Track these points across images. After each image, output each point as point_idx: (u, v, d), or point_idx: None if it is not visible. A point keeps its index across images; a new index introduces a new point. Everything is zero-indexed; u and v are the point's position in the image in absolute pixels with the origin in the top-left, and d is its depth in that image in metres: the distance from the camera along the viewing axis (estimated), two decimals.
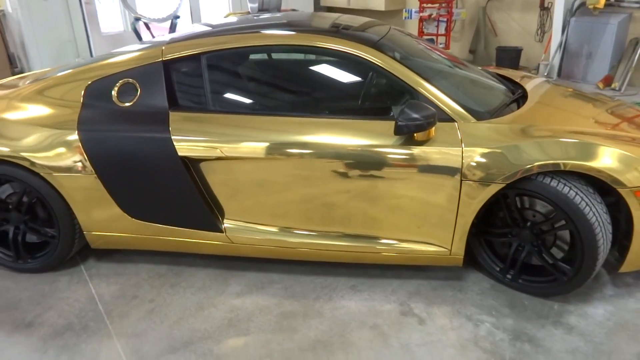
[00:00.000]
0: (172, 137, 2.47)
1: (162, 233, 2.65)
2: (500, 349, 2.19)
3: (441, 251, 2.47)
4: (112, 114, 2.57)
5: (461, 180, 2.32)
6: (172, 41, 2.70)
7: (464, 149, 2.31)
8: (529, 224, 2.43)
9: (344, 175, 2.41)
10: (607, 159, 2.22)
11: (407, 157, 2.34)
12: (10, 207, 2.74)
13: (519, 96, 2.81)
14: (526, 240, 2.46)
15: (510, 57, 7.66)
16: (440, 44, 8.73)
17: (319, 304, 2.52)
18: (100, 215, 2.65)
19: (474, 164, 2.29)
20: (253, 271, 2.80)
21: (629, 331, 2.27)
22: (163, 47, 2.65)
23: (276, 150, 2.42)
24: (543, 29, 7.70)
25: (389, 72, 2.45)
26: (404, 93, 2.46)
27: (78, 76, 2.71)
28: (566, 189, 2.23)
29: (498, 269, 2.60)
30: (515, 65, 7.73)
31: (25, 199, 2.70)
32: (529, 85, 3.03)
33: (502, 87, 2.96)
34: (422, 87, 2.42)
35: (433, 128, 2.32)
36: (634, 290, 2.54)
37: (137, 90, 2.60)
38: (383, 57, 2.47)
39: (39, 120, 2.62)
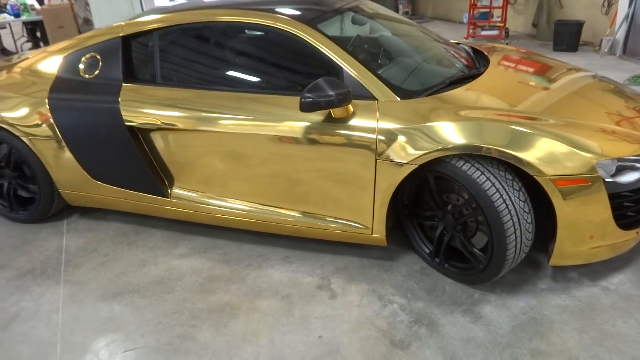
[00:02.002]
0: (121, 108, 2.69)
1: (117, 195, 2.92)
2: (394, 330, 2.18)
3: (363, 229, 2.48)
4: (77, 85, 2.85)
5: (376, 160, 2.30)
6: (135, 17, 2.90)
7: (378, 128, 2.27)
8: (449, 207, 2.36)
9: (269, 149, 2.48)
10: (525, 144, 2.08)
11: (324, 134, 2.36)
12: (2, 164, 3.15)
13: (471, 75, 2.67)
14: (450, 224, 2.39)
15: (569, 31, 7.04)
16: (497, 17, 8.22)
17: (247, 271, 2.66)
18: (70, 176, 2.97)
19: (388, 143, 2.26)
20: (203, 236, 2.99)
21: (539, 327, 2.15)
22: (123, 23, 2.86)
23: (205, 123, 2.55)
24: (610, 0, 6.93)
25: (317, 48, 2.45)
26: (331, 70, 2.46)
27: (58, 50, 3.02)
28: (477, 174, 2.13)
29: (427, 251, 2.55)
30: (576, 41, 7.09)
31: (12, 158, 3.09)
32: (493, 63, 2.85)
33: (458, 63, 2.82)
34: (346, 64, 2.40)
35: (349, 105, 2.31)
36: (571, 287, 2.38)
37: (100, 63, 2.84)
38: (313, 34, 2.47)
39: (22, 90, 2.97)
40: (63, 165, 2.94)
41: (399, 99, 2.34)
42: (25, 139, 2.93)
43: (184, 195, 2.79)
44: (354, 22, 2.96)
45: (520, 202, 2.15)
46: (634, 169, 2.21)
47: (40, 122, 2.88)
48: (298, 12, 2.63)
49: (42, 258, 2.89)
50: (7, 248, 3.00)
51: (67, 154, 2.89)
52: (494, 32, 7.85)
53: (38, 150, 2.93)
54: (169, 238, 3.01)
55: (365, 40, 2.85)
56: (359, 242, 2.56)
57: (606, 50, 6.68)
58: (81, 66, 2.88)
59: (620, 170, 2.17)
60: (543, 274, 2.48)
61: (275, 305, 2.39)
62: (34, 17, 8.05)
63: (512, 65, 2.90)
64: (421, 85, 2.47)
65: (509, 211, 2.11)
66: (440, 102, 2.32)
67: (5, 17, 7.99)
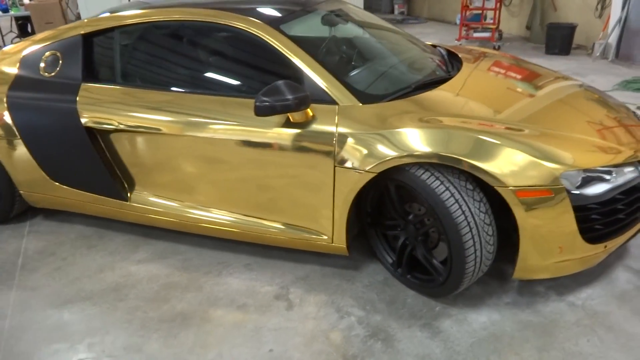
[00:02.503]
0: (78, 108, 2.61)
1: (77, 197, 2.84)
2: (348, 345, 2.10)
3: (323, 238, 2.39)
4: (36, 83, 2.76)
5: (334, 167, 2.21)
6: (98, 14, 2.82)
7: (337, 133, 2.19)
8: (411, 217, 2.27)
9: (226, 154, 2.40)
10: (486, 154, 1.99)
11: (282, 139, 2.27)
12: None
13: (440, 79, 2.57)
14: (411, 234, 2.31)
15: (562, 35, 6.94)
16: (490, 19, 8.13)
17: (205, 278, 2.57)
18: (29, 177, 2.88)
19: (347, 149, 2.17)
20: (165, 240, 2.91)
21: (498, 344, 2.06)
22: (85, 20, 2.77)
23: (162, 125, 2.46)
24: (603, 3, 6.84)
25: (278, 50, 2.36)
26: (292, 72, 2.37)
27: (20, 47, 2.93)
28: (436, 183, 2.05)
29: (390, 262, 2.47)
30: (568, 45, 6.99)
31: None
32: (466, 67, 2.76)
33: (429, 67, 2.73)
34: (307, 67, 2.32)
35: (308, 110, 2.22)
36: (537, 301, 2.29)
37: (60, 61, 2.75)
38: (274, 35, 2.38)
39: None
40: (22, 166, 2.86)
41: (360, 104, 2.25)
42: None
43: (143, 199, 2.71)
44: (324, 23, 2.87)
45: (481, 213, 2.06)
46: (601, 180, 2.12)
47: None
48: (262, 12, 2.54)
49: None
50: None
51: (26, 155, 2.81)
52: (486, 34, 7.75)
53: None
54: (130, 242, 2.92)
55: (334, 42, 2.77)
56: (320, 250, 2.48)
57: (598, 54, 6.58)
58: (42, 64, 2.80)
59: (588, 181, 2.08)
60: (509, 287, 2.40)
61: (229, 316, 2.30)
62: (22, 12, 7.97)
63: (488, 70, 2.81)
64: (385, 90, 2.38)
65: (468, 223, 2.02)
66: (401, 107, 2.23)
67: None
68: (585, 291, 2.34)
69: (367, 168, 2.13)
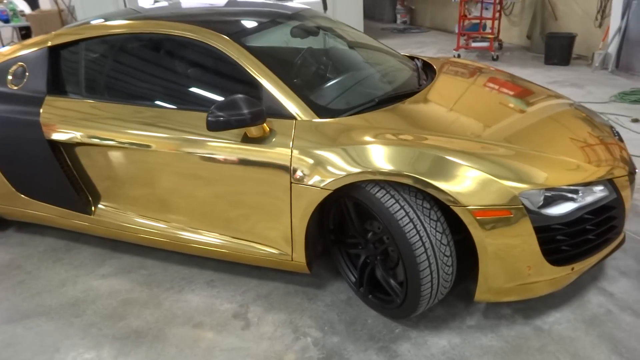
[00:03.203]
0: (41, 121, 2.58)
1: (43, 210, 2.81)
2: None
3: (283, 256, 2.33)
4: (3, 96, 2.75)
5: (291, 183, 2.15)
6: (67, 27, 2.80)
7: (293, 149, 2.13)
8: (370, 235, 2.20)
9: (185, 169, 2.35)
10: (442, 172, 1.92)
11: (239, 154, 2.22)
12: None
13: (407, 92, 2.50)
14: (371, 253, 2.23)
15: (561, 44, 6.83)
16: (490, 28, 8.04)
17: (166, 294, 2.52)
18: None
19: (302, 166, 2.11)
20: (133, 254, 2.86)
21: None
22: (53, 33, 2.76)
23: (120, 139, 2.43)
24: (603, 13, 6.72)
25: (238, 63, 2.32)
26: (251, 85, 2.32)
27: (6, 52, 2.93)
28: (390, 202, 1.98)
29: (353, 280, 2.39)
30: (568, 55, 6.87)
31: None
32: (438, 79, 2.69)
33: (400, 79, 2.67)
34: (265, 80, 2.27)
35: (264, 125, 2.17)
36: (501, 325, 2.20)
37: (26, 73, 2.74)
38: (233, 48, 2.34)
39: None
40: None
41: (317, 118, 2.19)
42: None
43: (106, 213, 2.67)
44: (294, 35, 2.83)
45: (438, 233, 1.98)
46: (567, 199, 2.04)
47: None
48: (226, 25, 2.50)
49: None
50: None
51: None
52: (485, 44, 7.66)
53: None
54: (96, 256, 2.89)
55: (301, 55, 2.71)
56: (281, 268, 2.41)
57: (597, 64, 6.45)
58: (9, 77, 2.79)
59: (551, 201, 1.99)
60: (475, 309, 2.31)
61: (183, 334, 2.24)
62: (23, 22, 8.07)
63: (465, 83, 2.73)
64: (346, 104, 2.32)
65: (423, 243, 1.95)
66: (359, 122, 2.17)
67: None
68: (553, 315, 2.24)
69: (322, 185, 2.07)
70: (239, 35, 2.42)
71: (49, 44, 2.72)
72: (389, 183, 2.01)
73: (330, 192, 2.08)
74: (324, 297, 2.44)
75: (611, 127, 2.62)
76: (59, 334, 2.28)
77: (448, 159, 1.94)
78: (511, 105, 2.54)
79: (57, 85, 2.69)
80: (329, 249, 2.47)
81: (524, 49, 8.37)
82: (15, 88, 2.74)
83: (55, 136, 2.57)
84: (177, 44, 2.53)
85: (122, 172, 2.53)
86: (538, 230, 1.97)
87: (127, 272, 2.72)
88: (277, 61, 2.48)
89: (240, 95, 2.11)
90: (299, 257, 2.29)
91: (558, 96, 2.84)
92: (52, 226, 3.02)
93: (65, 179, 2.61)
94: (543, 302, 2.31)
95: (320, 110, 2.23)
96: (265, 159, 2.17)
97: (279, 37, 2.75)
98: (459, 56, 7.84)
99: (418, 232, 1.94)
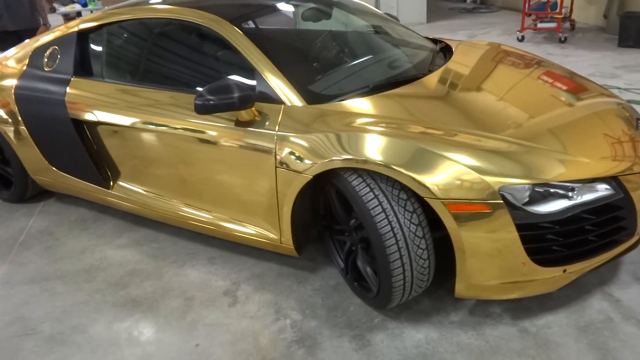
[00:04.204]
0: (66, 101, 2.80)
1: (71, 182, 3.06)
2: (272, 348, 2.08)
3: (273, 238, 2.37)
4: (39, 77, 3.00)
5: (276, 167, 2.18)
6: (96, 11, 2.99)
7: (278, 133, 2.15)
8: (352, 222, 2.18)
9: (185, 150, 2.45)
10: (418, 162, 1.85)
11: (230, 137, 2.28)
12: None
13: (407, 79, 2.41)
14: (355, 241, 2.22)
15: (637, 25, 6.18)
16: (565, 7, 7.45)
17: (168, 268, 2.66)
18: (35, 161, 3.15)
19: (285, 150, 2.13)
20: (149, 228, 3.05)
21: None
22: (82, 17, 2.95)
23: (129, 119, 2.57)
24: None
25: (236, 48, 2.36)
26: (245, 69, 2.35)
27: (32, 42, 3.20)
28: (365, 190, 1.94)
29: (342, 267, 2.39)
30: None
31: None
32: (450, 64, 2.57)
33: (407, 64, 2.58)
34: (258, 64, 2.29)
35: (253, 109, 2.21)
36: (486, 324, 2.10)
37: (58, 56, 2.97)
38: (233, 33, 2.38)
39: (1, 79, 3.18)
40: (28, 152, 3.13)
41: (305, 104, 2.19)
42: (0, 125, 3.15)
43: (123, 188, 2.85)
44: (304, 18, 2.82)
45: (413, 225, 1.93)
46: (560, 197, 1.89)
47: (7, 111, 3.08)
48: (224, 8, 2.55)
49: (4, 236, 3.11)
50: None
51: (31, 142, 3.07)
52: (552, 25, 7.11)
53: (9, 137, 3.14)
54: (118, 227, 3.10)
55: (304, 38, 2.70)
56: (272, 250, 2.46)
57: None
58: (45, 59, 3.03)
59: (540, 197, 1.87)
60: (463, 304, 2.23)
61: (174, 306, 2.37)
62: (98, 6, 8.64)
63: (472, 71, 2.59)
64: (338, 90, 2.30)
65: (395, 234, 1.90)
66: (344, 109, 2.14)
67: (75, 7, 8.66)
68: (545, 317, 2.11)
69: (302, 170, 2.08)
70: (237, 18, 2.46)
71: (77, 28, 2.92)
72: (368, 172, 1.98)
73: (310, 178, 2.08)
74: (314, 281, 2.46)
75: None
76: (68, 297, 2.50)
77: (425, 149, 1.87)
78: (519, 93, 2.37)
79: (83, 68, 2.89)
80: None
81: (600, 29, 7.68)
82: (49, 70, 2.98)
83: (78, 115, 2.77)
84: (181, 28, 2.61)
85: (131, 151, 2.68)
86: (523, 227, 1.85)
87: (140, 244, 2.90)
88: (275, 45, 2.48)
89: (229, 79, 2.16)
90: (287, 240, 2.32)
91: (581, 87, 2.59)
92: (82, 198, 3.28)
93: (87, 155, 2.82)
94: (539, 303, 2.19)
95: (311, 96, 2.22)
96: (253, 143, 2.21)
97: (288, 20, 2.75)
98: (522, 38, 7.36)
99: (390, 222, 1.90)
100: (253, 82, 2.29)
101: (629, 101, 4.41)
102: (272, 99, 2.25)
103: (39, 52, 3.08)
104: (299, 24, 2.82)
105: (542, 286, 2.00)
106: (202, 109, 2.13)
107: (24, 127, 3.05)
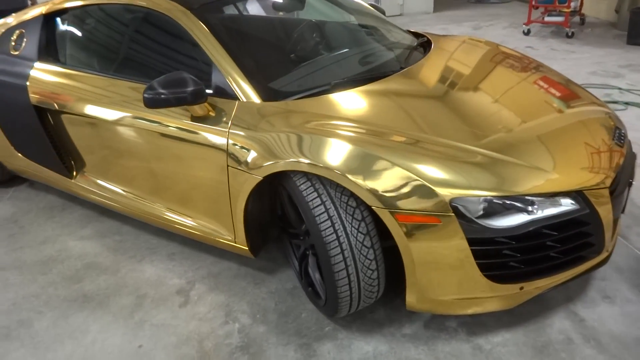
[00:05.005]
0: (28, 86, 2.72)
1: (35, 169, 2.99)
2: (215, 353, 2.00)
3: (228, 238, 2.29)
4: (5, 61, 2.92)
5: (228, 166, 2.09)
6: None
7: (230, 131, 2.05)
8: (303, 227, 2.09)
9: (142, 143, 2.36)
10: (365, 168, 1.74)
11: (182, 132, 2.18)
12: None
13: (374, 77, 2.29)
14: (307, 246, 2.13)
15: None
16: (575, 0, 7.19)
17: (126, 262, 2.60)
18: (2, 147, 3.09)
19: (236, 149, 2.03)
20: (114, 220, 2.98)
21: None
22: (50, 1, 2.86)
23: (84, 108, 2.49)
24: None
25: (193, 38, 2.25)
26: (203, 62, 2.25)
27: (2, 26, 3.11)
28: (312, 195, 1.85)
29: (298, 270, 2.31)
30: None
31: None
32: (423, 62, 2.44)
33: (377, 60, 2.45)
34: (216, 58, 2.18)
35: (205, 104, 2.11)
36: (439, 338, 2.01)
37: (24, 39, 2.88)
38: (192, 22, 2.27)
39: None
40: None
41: (258, 101, 2.08)
42: None
43: (85, 178, 2.79)
44: (276, 7, 2.69)
45: (360, 234, 1.83)
46: (519, 210, 1.78)
47: None
48: None
49: None
50: None
51: None
52: (559, 19, 6.87)
53: None
54: (84, 217, 3.04)
55: (273, 31, 2.58)
56: (228, 249, 2.37)
57: None
58: (12, 42, 2.95)
59: (495, 211, 1.75)
60: (418, 317, 2.13)
61: (124, 304, 2.31)
62: None
63: (443, 71, 2.45)
64: (298, 87, 2.18)
65: (340, 243, 1.81)
66: (297, 108, 2.03)
67: None
68: (502, 334, 2.01)
69: (252, 171, 1.98)
70: (199, 9, 2.34)
71: (44, 11, 2.83)
72: (317, 177, 1.88)
73: (260, 179, 1.98)
74: (270, 284, 2.38)
75: (622, 132, 2.22)
76: (21, 289, 2.45)
77: (375, 155, 1.76)
78: (486, 96, 2.24)
79: (47, 53, 2.80)
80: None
81: (611, 25, 7.41)
82: (15, 53, 2.90)
83: (40, 102, 2.70)
84: (141, 15, 2.50)
85: (92, 141, 2.60)
86: (477, 242, 1.75)
87: (103, 236, 2.84)
88: (236, 36, 2.37)
89: (180, 72, 2.06)
90: (241, 241, 2.24)
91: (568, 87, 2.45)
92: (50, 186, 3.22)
93: (49, 143, 2.75)
94: (498, 319, 2.08)
95: (268, 93, 2.11)
96: (205, 139, 2.12)
97: (258, 9, 2.63)
98: (528, 32, 7.13)
99: (336, 230, 1.81)
100: (210, 75, 2.19)
101: (628, 103, 4.23)
102: (227, 94, 2.14)
103: (7, 34, 3.00)
104: (269, 13, 2.70)
105: (500, 303, 1.90)
106: (152, 103, 2.03)
107: None
